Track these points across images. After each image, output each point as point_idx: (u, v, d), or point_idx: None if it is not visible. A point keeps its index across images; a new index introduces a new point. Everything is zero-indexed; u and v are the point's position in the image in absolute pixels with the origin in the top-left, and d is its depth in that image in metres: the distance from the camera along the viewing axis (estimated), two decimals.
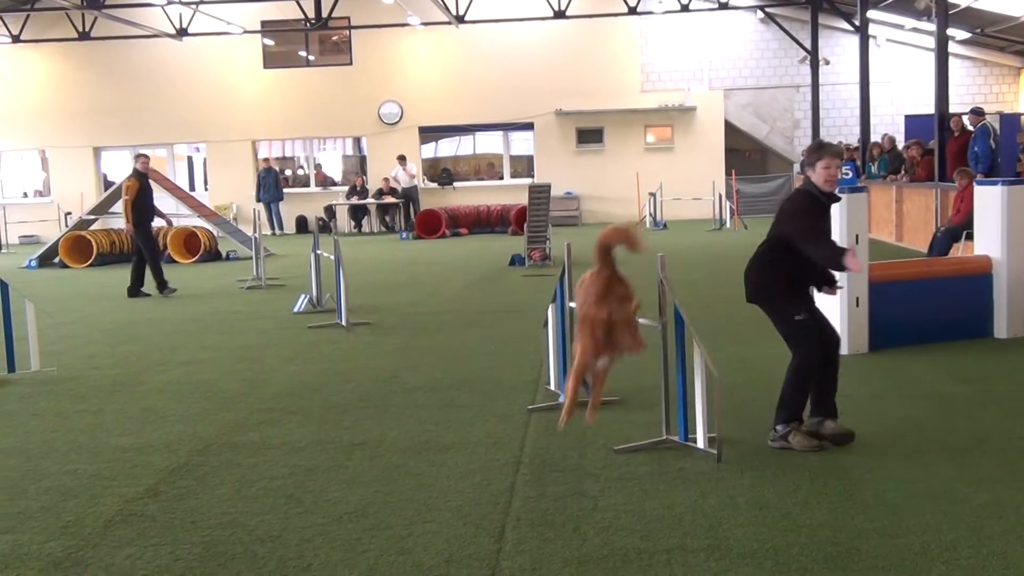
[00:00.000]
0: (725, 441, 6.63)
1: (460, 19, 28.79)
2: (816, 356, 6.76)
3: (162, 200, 25.45)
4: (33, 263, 23.06)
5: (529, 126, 31.90)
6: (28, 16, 29.93)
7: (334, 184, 33.03)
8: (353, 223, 30.90)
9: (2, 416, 8.64)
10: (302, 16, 27.85)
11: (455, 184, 32.30)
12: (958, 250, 15.14)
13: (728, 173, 30.23)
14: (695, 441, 6.74)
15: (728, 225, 26.93)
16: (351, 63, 32.00)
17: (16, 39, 30.01)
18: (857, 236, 9.77)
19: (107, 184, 31.16)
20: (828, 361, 6.87)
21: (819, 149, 7.00)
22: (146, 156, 17.19)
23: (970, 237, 12.47)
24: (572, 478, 6.32)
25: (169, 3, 26.64)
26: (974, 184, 11.88)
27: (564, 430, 7.31)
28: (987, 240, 10.64)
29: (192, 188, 31.93)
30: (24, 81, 32.23)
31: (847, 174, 9.80)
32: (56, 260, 23.05)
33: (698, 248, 21.57)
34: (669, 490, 6.02)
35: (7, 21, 30.02)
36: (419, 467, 6.68)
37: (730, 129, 31.73)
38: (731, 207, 27.55)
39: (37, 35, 30.43)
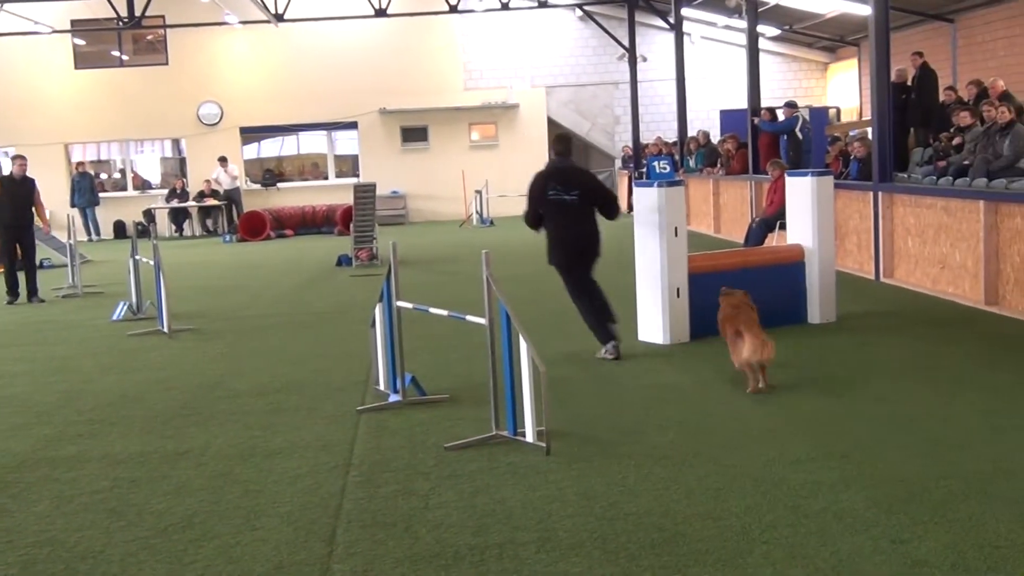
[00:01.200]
0: (553, 434, 6.71)
1: (279, 18, 28.36)
2: None
3: None
4: None
5: (353, 125, 31.66)
6: None
7: (152, 187, 32.15)
8: (174, 227, 30.15)
9: None
10: (114, 15, 27.00)
11: (279, 185, 31.82)
12: (772, 240, 15.69)
13: None
14: (524, 435, 6.80)
15: None
16: (167, 63, 31.19)
17: None
18: (676, 228, 10.02)
19: None
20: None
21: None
22: (21, 158, 16.77)
23: (783, 227, 12.92)
24: (403, 477, 6.31)
25: None
26: (785, 176, 12.32)
27: (394, 430, 7.31)
28: (799, 230, 11.04)
29: None
30: None
31: (665, 168, 10.01)
32: None
33: (524, 245, 21.74)
34: (499, 485, 6.06)
35: None
36: (246, 474, 6.57)
37: (553, 126, 32.11)
38: None
39: None
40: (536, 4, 29.30)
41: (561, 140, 9.84)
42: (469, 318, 7.29)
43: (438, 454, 6.74)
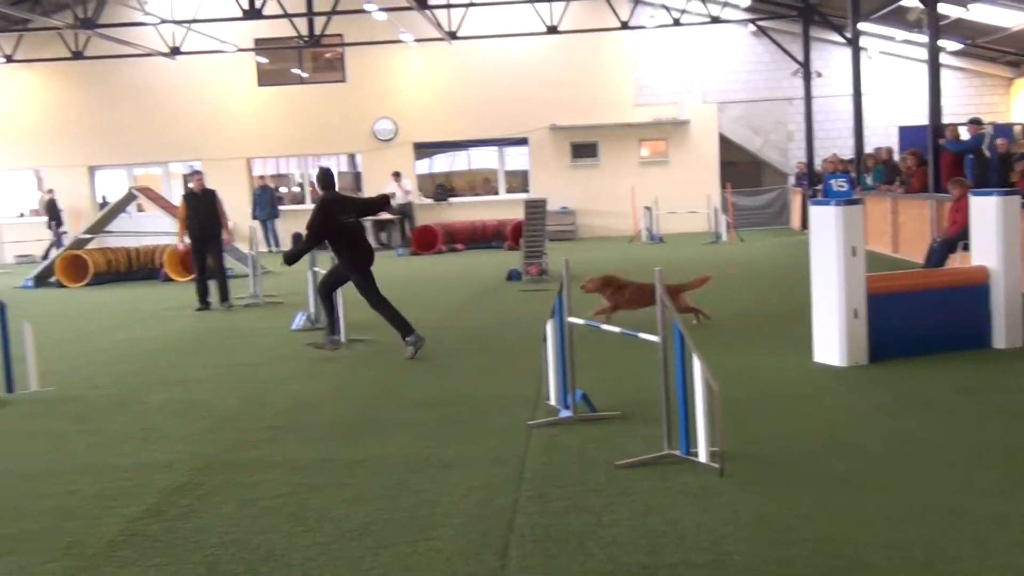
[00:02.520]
0: (727, 455, 6.62)
1: (453, 35, 28.88)
2: None
3: (158, 219, 25.52)
4: (30, 283, 23.02)
5: (524, 141, 31.94)
6: (21, 36, 29.94)
7: None
8: None
9: (1, 437, 8.61)
10: (296, 34, 27.91)
11: (451, 199, 32.33)
12: (955, 261, 15.16)
13: (723, 186, 30.29)
14: (697, 455, 6.73)
15: (724, 238, 26.95)
16: (345, 80, 32.06)
17: (9, 59, 30.06)
18: (854, 248, 9.78)
19: (49, 204, 31.14)
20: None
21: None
22: (199, 173, 17.59)
23: (966, 248, 12.48)
24: (574, 494, 6.31)
25: (162, 22, 26.68)
26: (968, 195, 11.90)
27: (565, 446, 7.32)
28: (983, 250, 10.65)
29: None
30: (18, 101, 32.23)
31: (843, 186, 9.76)
32: (52, 279, 23.01)
33: (694, 262, 21.57)
34: (672, 505, 6.01)
35: (0, 41, 30.05)
36: (421, 484, 6.67)
37: (724, 142, 31.80)
38: (727, 220, 27.59)
39: (30, 55, 30.44)
40: (708, 20, 29.08)
41: (322, 176, 12.05)
42: (642, 336, 7.25)
43: (609, 471, 6.72)
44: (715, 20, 29.14)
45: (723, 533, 5.52)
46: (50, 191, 31.08)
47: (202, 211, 16.82)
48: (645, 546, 5.39)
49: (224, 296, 16.83)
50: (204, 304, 16.69)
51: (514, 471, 6.84)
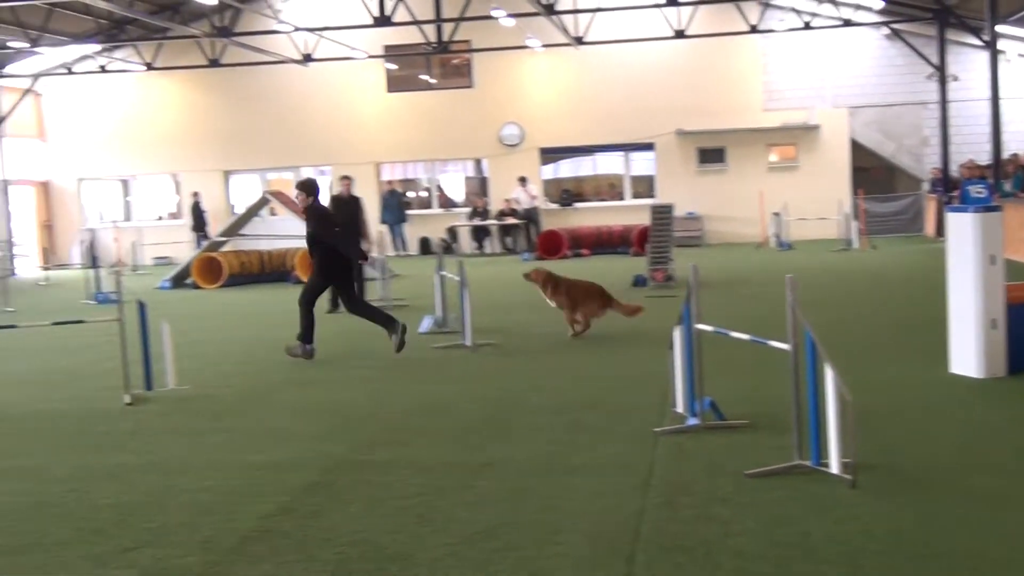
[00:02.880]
0: (859, 466, 6.47)
1: (580, 41, 28.90)
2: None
3: (290, 223, 26.04)
4: (167, 284, 23.73)
5: (650, 146, 31.79)
6: (161, 45, 30.91)
7: (456, 206, 33.34)
8: (475, 244, 31.12)
9: (141, 433, 8.90)
10: (424, 40, 28.25)
11: (576, 205, 32.33)
12: None
13: (855, 192, 29.70)
14: (828, 466, 6.59)
15: (855, 245, 26.42)
16: (472, 86, 32.31)
17: (150, 67, 31.04)
18: (993, 256, 9.49)
19: (195, 207, 31.87)
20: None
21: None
22: (347, 178, 17.60)
23: None
24: (702, 502, 6.24)
25: (295, 30, 27.25)
26: None
27: (692, 454, 7.25)
28: None
29: None
30: (157, 107, 33.25)
31: (981, 193, 9.46)
32: (189, 281, 23.67)
33: (825, 269, 21.20)
34: (802, 516, 5.90)
35: (141, 50, 31.05)
36: (547, 488, 6.67)
37: (855, 147, 31.17)
38: (858, 227, 27.05)
39: (169, 63, 31.40)
40: (840, 23, 28.57)
41: (312, 186, 12.67)
42: (772, 343, 7.14)
43: (737, 480, 6.63)
44: (847, 23, 28.61)
45: (856, 546, 5.40)
46: (195, 194, 31.88)
47: (346, 215, 16.77)
48: (774, 558, 5.31)
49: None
50: (335, 306, 16.94)
51: (641, 478, 6.80)
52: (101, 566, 5.60)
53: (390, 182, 32.14)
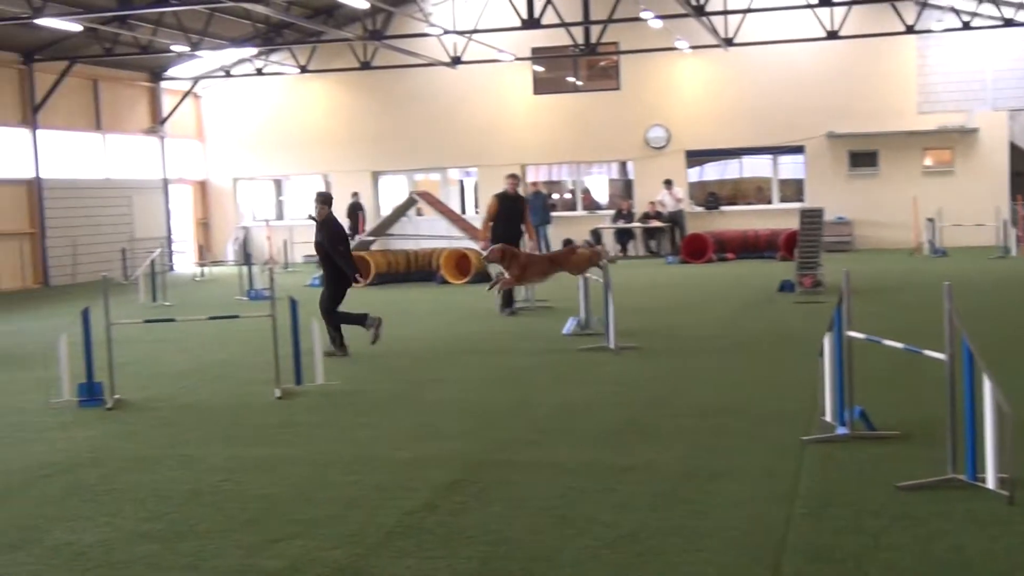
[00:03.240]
0: (1018, 482, 6.24)
1: (729, 42, 28.55)
2: None
3: (436, 223, 26.40)
4: (316, 281, 24.20)
5: (799, 149, 31.21)
6: (315, 48, 31.62)
7: (600, 208, 33.28)
8: (619, 247, 31.02)
9: (292, 426, 9.12)
10: (572, 43, 28.28)
11: (722, 208, 31.96)
12: None
13: (1013, 198, 28.66)
14: (984, 481, 6.37)
15: (1013, 252, 25.49)
16: (619, 88, 32.20)
17: (304, 69, 31.77)
18: None
19: (354, 208, 32.19)
20: None
21: None
22: (514, 177, 17.42)
23: None
24: (851, 514, 6.09)
25: (445, 33, 27.57)
26: None
27: (841, 464, 7.10)
28: None
29: (463, 211, 32.84)
30: (309, 109, 34.00)
31: None
32: None
33: (982, 276, 20.51)
34: (957, 532, 5.71)
35: (296, 53, 31.82)
36: (690, 494, 6.60)
37: (1015, 151, 30.07)
38: (1017, 233, 26.08)
39: (322, 65, 32.09)
40: (1000, 23, 27.61)
41: (329, 198, 13.66)
42: (927, 353, 6.93)
43: (888, 493, 6.45)
44: (1008, 23, 27.62)
45: (1014, 564, 5.21)
46: (355, 194, 32.42)
47: (512, 213, 16.68)
48: (926, 573, 5.16)
49: (508, 302, 16.85)
50: (509, 306, 16.72)
51: (787, 486, 6.67)
52: (251, 555, 5.75)
53: (535, 183, 32.21)
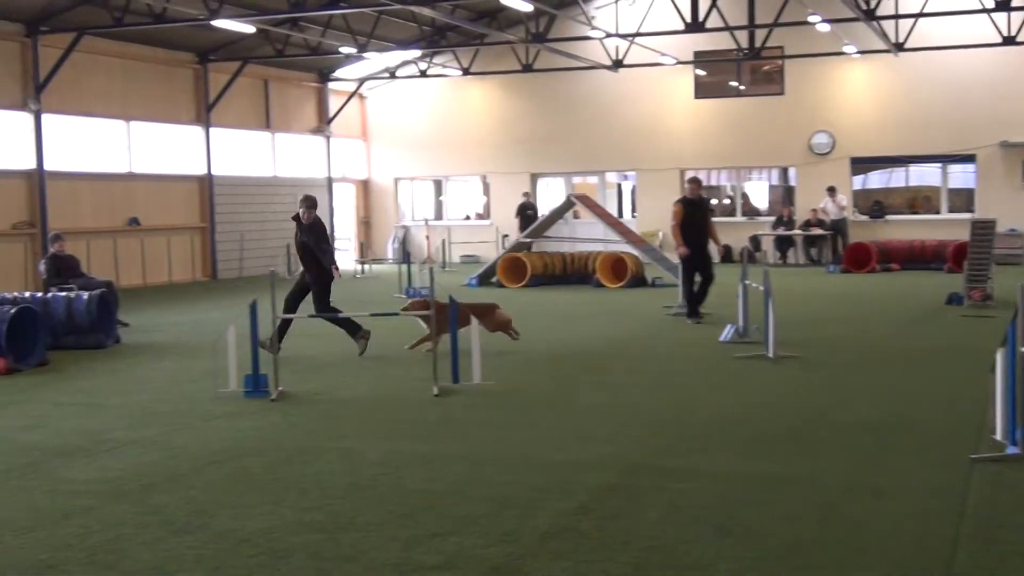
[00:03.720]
0: None
1: (900, 47, 27.79)
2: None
3: (592, 227, 26.39)
4: (474, 281, 24.52)
5: (970, 158, 30.16)
6: (477, 51, 31.95)
7: (759, 214, 32.78)
8: (778, 254, 30.49)
9: (449, 423, 9.23)
10: (735, 46, 27.93)
11: (887, 217, 31.10)
12: None
13: None
14: None
15: None
16: (783, 93, 31.65)
17: (466, 72, 32.14)
18: None
19: (523, 208, 32.09)
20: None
21: None
22: (697, 181, 16.87)
23: None
24: (1021, 537, 5.86)
25: (607, 36, 27.52)
26: None
27: (1012, 484, 6.84)
28: None
29: (620, 215, 32.75)
30: (470, 111, 34.37)
31: None
32: (494, 279, 24.36)
33: None
34: None
35: (459, 55, 32.22)
36: (853, 508, 6.44)
37: None
38: None
39: (484, 68, 32.40)
40: None
41: (315, 202, 13.76)
42: None
43: None
44: None
45: None
46: (526, 195, 32.63)
47: (699, 217, 16.29)
48: None
49: (694, 311, 16.34)
50: (696, 315, 16.22)
51: (954, 506, 6.45)
52: (408, 549, 5.83)
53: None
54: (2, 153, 23.04)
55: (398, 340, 14.17)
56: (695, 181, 16.86)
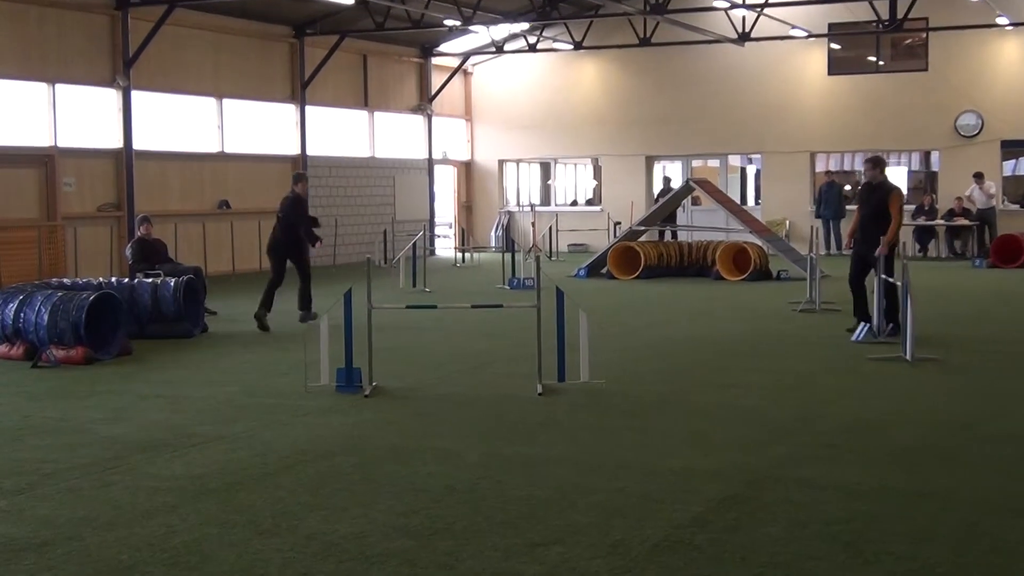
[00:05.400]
0: None
1: None
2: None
3: (713, 214, 26.13)
4: (583, 272, 24.47)
5: None
6: (591, 23, 31.83)
7: None
8: (918, 246, 29.87)
9: (553, 425, 9.23)
10: (874, 18, 27.39)
11: None
12: None
13: None
14: None
15: None
16: (926, 68, 30.96)
17: (578, 45, 32.04)
18: None
19: (665, 192, 31.56)
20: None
21: None
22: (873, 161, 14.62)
23: None
24: None
25: (732, 7, 27.23)
26: None
27: None
28: None
29: (743, 201, 32.40)
30: (581, 88, 34.29)
31: None
32: (604, 270, 24.28)
33: None
34: None
35: (571, 28, 32.13)
36: (996, 529, 6.28)
37: None
38: None
39: (598, 41, 32.29)
40: None
41: (298, 178, 16.87)
42: None
43: None
44: None
45: None
46: (667, 179, 32.51)
47: (872, 201, 14.41)
48: None
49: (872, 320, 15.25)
50: (864, 316, 14.43)
51: None
52: (508, 558, 5.84)
53: (829, 173, 31.30)
54: (89, 131, 23.64)
55: (502, 338, 14.20)
56: (877, 164, 14.56)
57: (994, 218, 28.92)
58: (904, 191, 29.67)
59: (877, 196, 14.14)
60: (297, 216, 16.18)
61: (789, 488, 7.16)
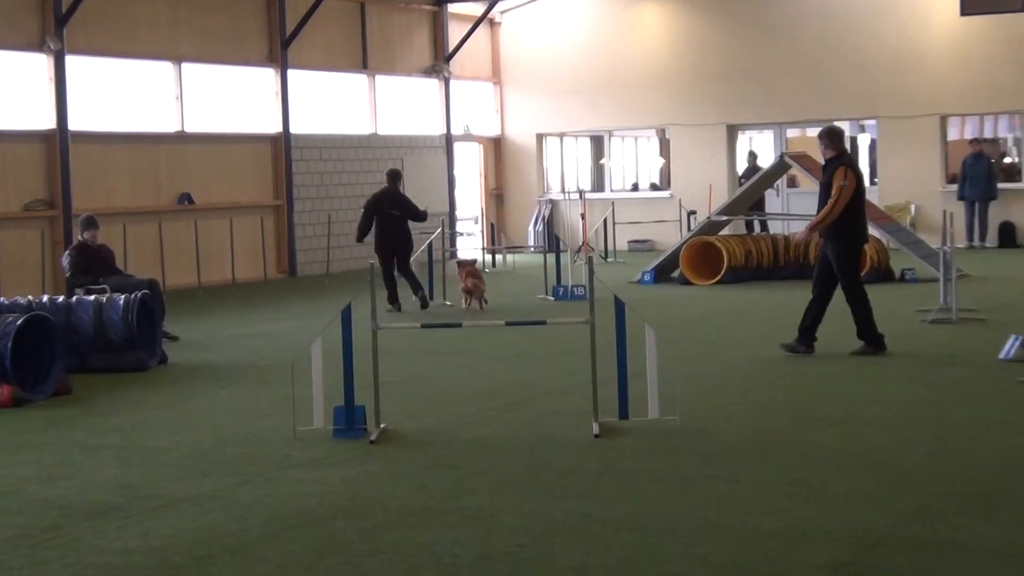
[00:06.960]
0: None
1: None
2: None
3: (814, 198, 25.99)
4: (648, 276, 24.34)
5: None
6: None
7: None
8: None
9: (613, 475, 9.22)
10: None
11: None
12: None
13: None
14: None
15: None
16: None
17: None
18: None
19: (751, 172, 31.46)
20: None
21: None
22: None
23: None
24: None
25: None
26: None
27: None
28: None
29: None
30: (641, 42, 34.20)
31: None
32: (676, 274, 24.20)
33: None
34: None
35: None
36: None
37: None
38: None
39: None
40: None
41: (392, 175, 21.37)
42: None
43: None
44: None
45: None
46: (753, 155, 32.48)
47: (823, 186, 14.84)
48: None
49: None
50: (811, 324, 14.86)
51: None
52: None
53: (976, 141, 30.82)
54: (12, 109, 23.73)
55: (546, 364, 14.21)
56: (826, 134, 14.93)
57: None
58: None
59: (826, 176, 14.53)
60: (418, 212, 21.35)
61: (920, 551, 7.15)
